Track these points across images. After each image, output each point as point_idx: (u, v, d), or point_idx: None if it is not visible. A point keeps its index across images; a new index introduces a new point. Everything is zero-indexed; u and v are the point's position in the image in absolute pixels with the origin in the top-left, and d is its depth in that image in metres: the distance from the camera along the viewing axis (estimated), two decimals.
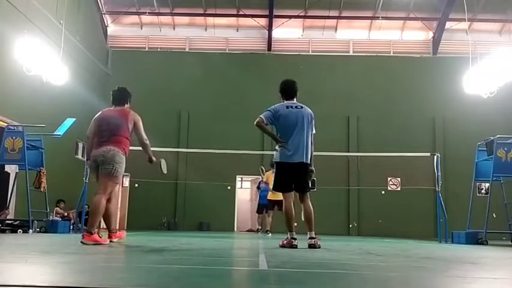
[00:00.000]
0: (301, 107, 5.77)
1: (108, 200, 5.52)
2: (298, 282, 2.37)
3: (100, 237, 5.40)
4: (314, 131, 5.92)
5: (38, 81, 11.50)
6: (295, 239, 5.39)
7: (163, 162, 6.58)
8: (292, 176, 5.60)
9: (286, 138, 5.56)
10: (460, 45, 18.09)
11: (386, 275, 2.93)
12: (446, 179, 12.92)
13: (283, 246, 5.41)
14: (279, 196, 10.92)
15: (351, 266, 3.42)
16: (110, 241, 5.61)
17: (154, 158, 5.90)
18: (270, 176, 11.57)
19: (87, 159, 5.74)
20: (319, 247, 5.33)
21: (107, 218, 5.75)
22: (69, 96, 14.26)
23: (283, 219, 5.66)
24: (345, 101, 18.47)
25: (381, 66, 18.97)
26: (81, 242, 5.07)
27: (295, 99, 5.86)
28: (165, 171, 6.57)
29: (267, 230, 11.95)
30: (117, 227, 18.24)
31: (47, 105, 12.96)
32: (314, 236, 5.45)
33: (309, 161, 5.68)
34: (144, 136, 5.72)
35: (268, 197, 11.80)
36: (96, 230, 5.37)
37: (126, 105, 5.87)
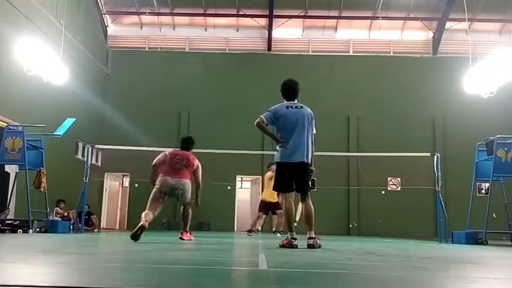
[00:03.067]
0: (301, 107, 5.76)
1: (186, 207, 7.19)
2: (298, 282, 2.37)
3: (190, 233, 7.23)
4: (315, 131, 5.91)
5: (38, 81, 11.49)
6: (295, 238, 5.38)
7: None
8: (293, 176, 5.58)
9: (287, 138, 5.56)
10: (460, 45, 18.11)
11: (386, 275, 2.93)
12: (446, 179, 12.91)
13: (283, 246, 5.40)
14: (274, 197, 10.99)
15: (351, 266, 3.42)
16: (181, 238, 7.00)
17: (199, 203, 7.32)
18: (268, 176, 11.53)
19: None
20: (319, 247, 5.31)
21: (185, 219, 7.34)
22: (69, 96, 14.25)
23: (284, 218, 5.65)
24: (345, 100, 18.48)
25: (380, 66, 18.98)
26: (180, 238, 6.99)
27: (296, 100, 5.85)
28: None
29: (256, 229, 11.47)
30: (117, 227, 18.26)
31: (47, 105, 12.96)
32: (314, 236, 5.43)
33: (309, 161, 5.65)
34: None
35: (263, 198, 11.58)
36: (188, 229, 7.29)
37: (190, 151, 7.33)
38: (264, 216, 11.68)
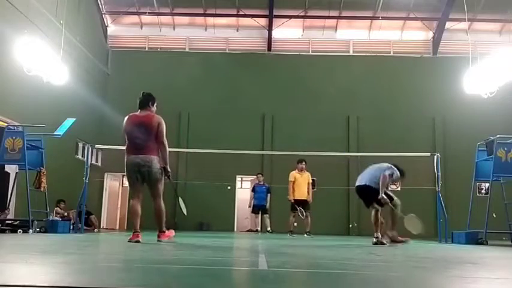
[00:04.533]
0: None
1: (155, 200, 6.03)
2: (298, 282, 2.37)
3: (166, 232, 6.06)
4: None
5: (38, 81, 11.49)
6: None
7: (181, 201, 6.86)
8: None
9: None
10: (460, 45, 18.09)
11: (386, 275, 2.93)
12: (446, 179, 12.89)
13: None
14: (304, 195, 11.34)
15: (351, 266, 3.42)
16: (159, 240, 5.90)
17: (169, 169, 6.04)
18: (294, 175, 11.60)
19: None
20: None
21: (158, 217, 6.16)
22: (69, 96, 14.25)
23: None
24: (345, 100, 18.47)
25: (381, 66, 18.96)
26: (158, 240, 5.83)
27: None
28: (184, 212, 6.82)
29: (291, 231, 11.58)
30: (117, 227, 18.23)
31: (47, 105, 12.95)
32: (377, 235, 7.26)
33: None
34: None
35: (294, 197, 11.55)
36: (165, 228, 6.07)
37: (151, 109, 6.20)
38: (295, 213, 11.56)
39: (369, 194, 7.57)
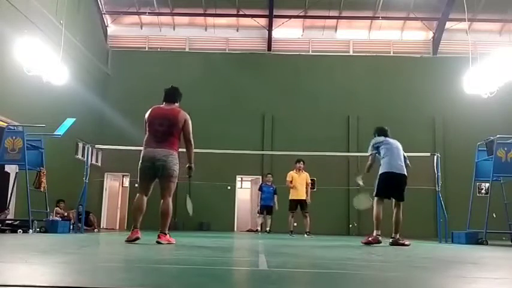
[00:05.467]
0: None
1: (165, 200, 5.64)
2: (298, 282, 2.37)
3: (167, 235, 5.58)
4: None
5: (38, 81, 11.49)
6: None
7: (188, 201, 6.70)
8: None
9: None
10: (460, 45, 18.10)
11: (386, 275, 2.93)
12: (446, 179, 12.90)
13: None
14: (302, 195, 11.33)
15: (351, 266, 3.42)
16: (158, 242, 5.40)
17: (193, 166, 5.93)
18: (292, 175, 11.63)
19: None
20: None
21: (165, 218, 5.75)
22: (69, 96, 14.25)
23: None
24: (345, 100, 18.47)
25: (381, 66, 18.97)
26: (157, 241, 5.33)
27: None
28: (190, 212, 6.67)
29: (291, 231, 11.71)
30: (117, 227, 18.22)
31: (47, 105, 12.96)
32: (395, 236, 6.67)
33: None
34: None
35: (291, 197, 11.68)
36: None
37: (176, 104, 5.96)
38: (294, 213, 11.75)
39: (405, 184, 7.07)
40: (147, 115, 5.79)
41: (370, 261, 3.97)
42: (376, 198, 7.07)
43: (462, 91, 13.69)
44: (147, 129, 5.74)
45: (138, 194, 5.69)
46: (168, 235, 5.54)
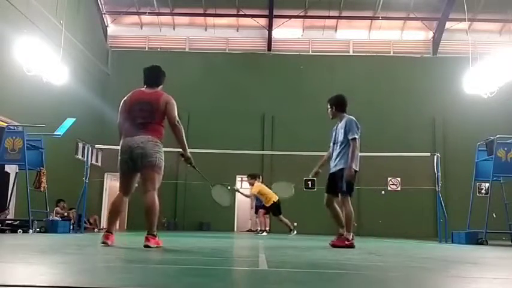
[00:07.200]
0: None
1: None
2: (298, 282, 2.37)
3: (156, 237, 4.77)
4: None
5: (38, 81, 11.50)
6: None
7: (218, 190, 6.36)
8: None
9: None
10: (460, 45, 18.10)
11: (386, 275, 2.93)
12: (446, 179, 12.90)
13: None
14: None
15: (351, 266, 3.42)
16: (146, 246, 4.60)
17: (189, 155, 5.23)
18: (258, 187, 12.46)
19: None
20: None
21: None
22: (69, 96, 14.25)
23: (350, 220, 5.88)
24: None
25: (381, 66, 18.97)
26: (145, 245, 4.54)
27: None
28: (224, 203, 6.48)
29: (262, 230, 12.64)
30: (117, 228, 18.21)
31: (47, 105, 12.95)
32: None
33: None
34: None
35: (275, 200, 12.31)
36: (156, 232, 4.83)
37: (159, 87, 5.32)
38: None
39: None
40: (125, 99, 5.15)
41: (370, 261, 3.97)
42: (348, 197, 6.18)
43: (462, 91, 13.71)
44: (122, 117, 5.12)
45: (117, 194, 5.06)
46: (157, 237, 4.72)
